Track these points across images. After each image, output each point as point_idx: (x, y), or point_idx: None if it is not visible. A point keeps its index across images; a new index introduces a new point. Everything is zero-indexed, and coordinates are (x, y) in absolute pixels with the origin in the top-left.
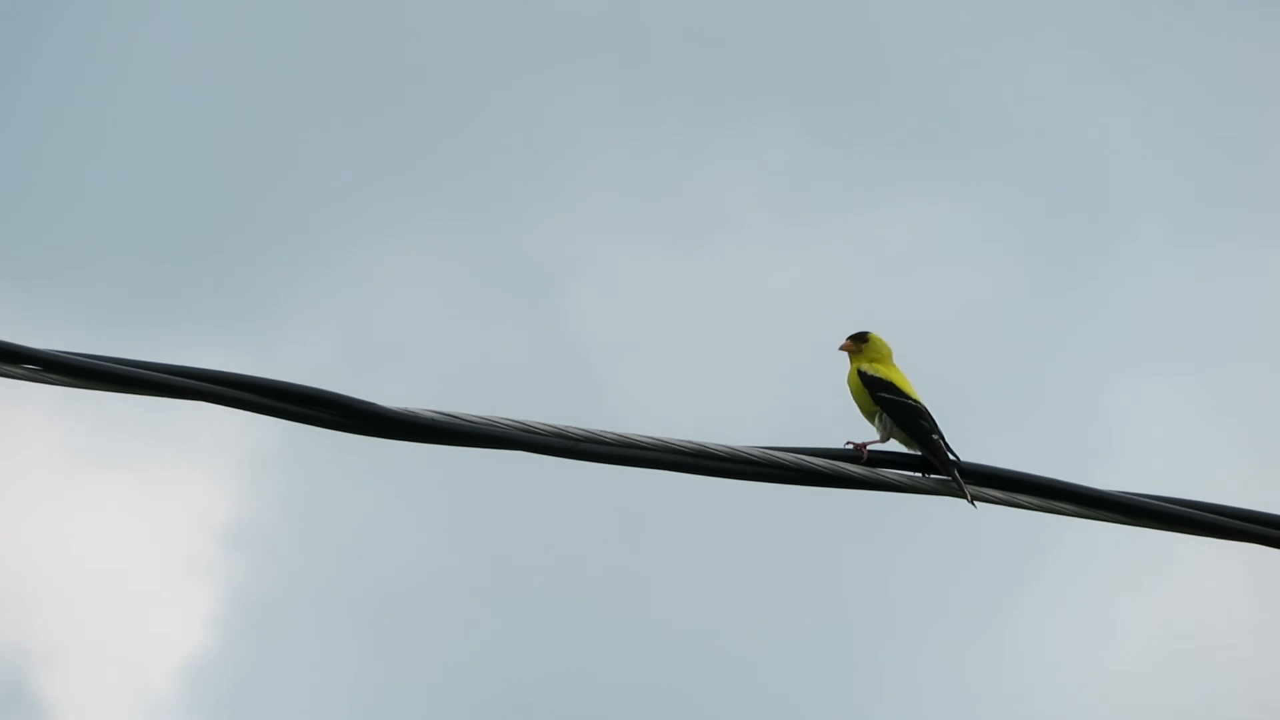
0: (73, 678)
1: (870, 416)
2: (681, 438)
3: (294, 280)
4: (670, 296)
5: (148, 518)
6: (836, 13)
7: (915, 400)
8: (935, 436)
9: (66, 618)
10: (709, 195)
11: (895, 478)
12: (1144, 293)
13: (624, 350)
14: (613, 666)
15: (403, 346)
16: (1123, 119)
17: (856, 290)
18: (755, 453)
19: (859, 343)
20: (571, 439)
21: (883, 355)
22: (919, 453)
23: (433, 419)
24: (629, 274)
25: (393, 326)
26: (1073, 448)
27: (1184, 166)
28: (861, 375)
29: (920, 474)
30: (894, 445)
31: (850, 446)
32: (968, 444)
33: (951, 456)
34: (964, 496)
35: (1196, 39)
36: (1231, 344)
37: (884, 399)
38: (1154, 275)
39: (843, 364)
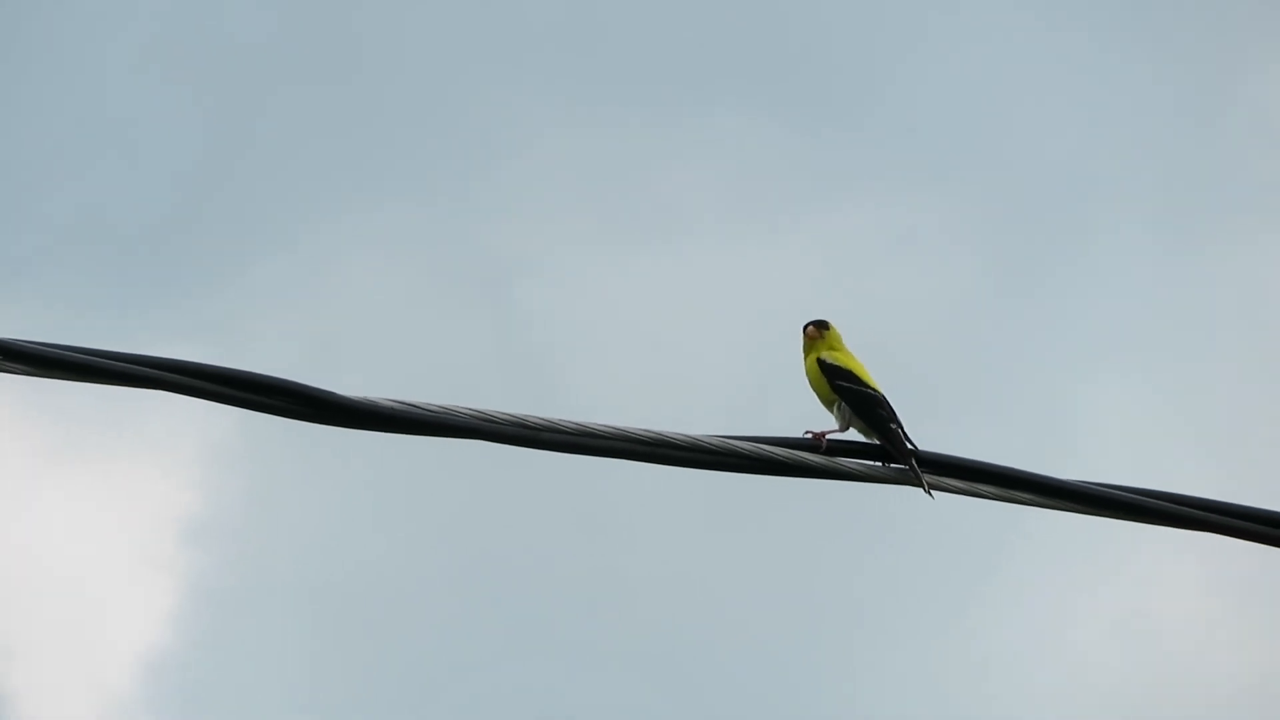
0: (34, 670)
1: (829, 405)
2: (640, 427)
3: (251, 273)
4: (628, 289)
5: (108, 512)
6: (797, 4)
7: (874, 389)
8: (893, 426)
9: (27, 611)
10: (667, 188)
11: (854, 467)
12: (1108, 288)
13: (582, 343)
14: (571, 655)
15: (360, 339)
16: (1089, 115)
17: (816, 283)
18: (714, 442)
19: (821, 329)
20: (530, 428)
21: (840, 344)
22: (878, 442)
23: (392, 408)
24: (587, 267)
25: (350, 319)
26: (1034, 441)
27: (1149, 162)
28: (820, 364)
29: (879, 463)
30: (853, 435)
31: (809, 436)
32: (929, 436)
33: (910, 446)
34: (921, 486)
35: (1163, 36)
36: (1193, 338)
37: (842, 387)
38: (1117, 271)
39: (801, 354)
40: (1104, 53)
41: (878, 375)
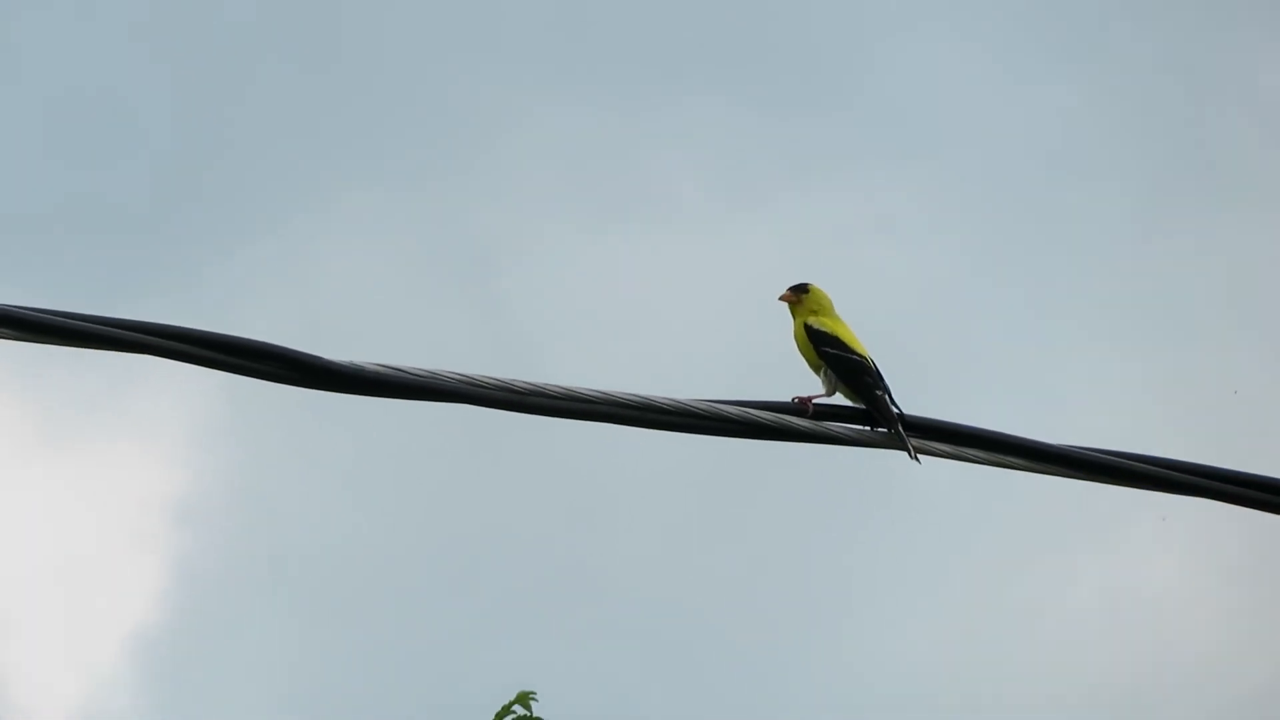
0: (23, 648)
1: (816, 370)
2: (627, 391)
3: (237, 256)
4: (613, 269)
5: (96, 490)
6: None
7: (860, 355)
8: (879, 392)
9: (17, 590)
10: (649, 171)
11: (842, 431)
12: (1088, 265)
13: (568, 320)
14: (558, 623)
15: (347, 319)
16: (1065, 94)
17: (797, 260)
18: (701, 406)
19: (799, 293)
20: (517, 392)
21: (825, 308)
22: (864, 407)
23: (378, 372)
24: (572, 248)
25: (337, 300)
26: (1020, 411)
27: (1128, 139)
28: (807, 329)
29: (867, 428)
30: (840, 400)
31: (796, 401)
32: (916, 405)
33: (896, 411)
34: (906, 450)
35: (1144, 16)
36: (1177, 315)
37: (828, 353)
38: (1097, 246)
39: (789, 320)
40: (1084, 33)
41: (864, 336)
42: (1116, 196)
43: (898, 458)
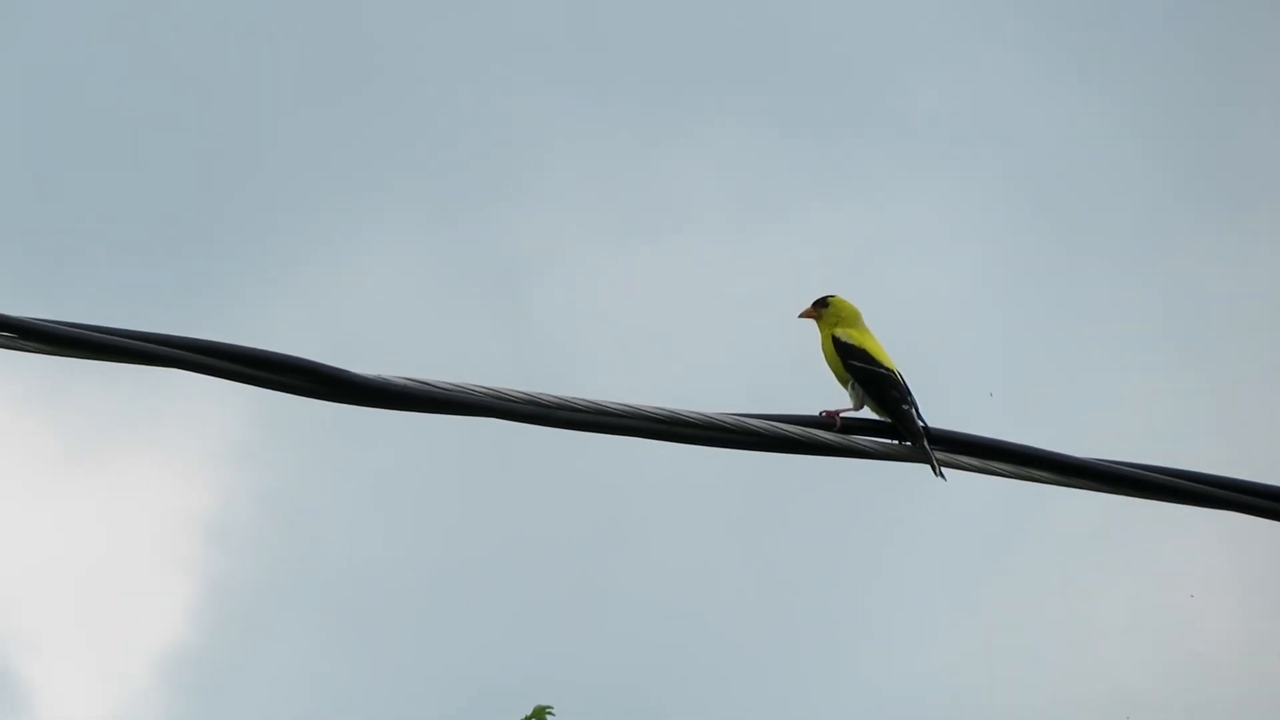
0: (54, 663)
1: (844, 383)
2: (654, 405)
3: (269, 274)
4: (640, 284)
5: (129, 508)
6: (796, 6)
7: (888, 368)
8: (905, 406)
9: (49, 605)
10: (671, 188)
11: (870, 445)
12: (1117, 279)
13: (596, 334)
14: (586, 635)
15: (373, 333)
16: (1089, 105)
17: (822, 274)
18: (728, 420)
19: (819, 308)
20: (544, 405)
21: (852, 319)
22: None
23: (406, 386)
24: (596, 263)
25: (364, 315)
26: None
27: (1153, 150)
28: (835, 341)
29: (895, 442)
30: (868, 414)
31: (824, 415)
32: (942, 419)
33: (922, 425)
34: (931, 465)
35: (1167, 25)
36: (1202, 331)
37: (854, 366)
38: (1127, 260)
39: (817, 333)
40: (1105, 50)
41: (893, 349)
42: (1142, 208)
43: (926, 472)
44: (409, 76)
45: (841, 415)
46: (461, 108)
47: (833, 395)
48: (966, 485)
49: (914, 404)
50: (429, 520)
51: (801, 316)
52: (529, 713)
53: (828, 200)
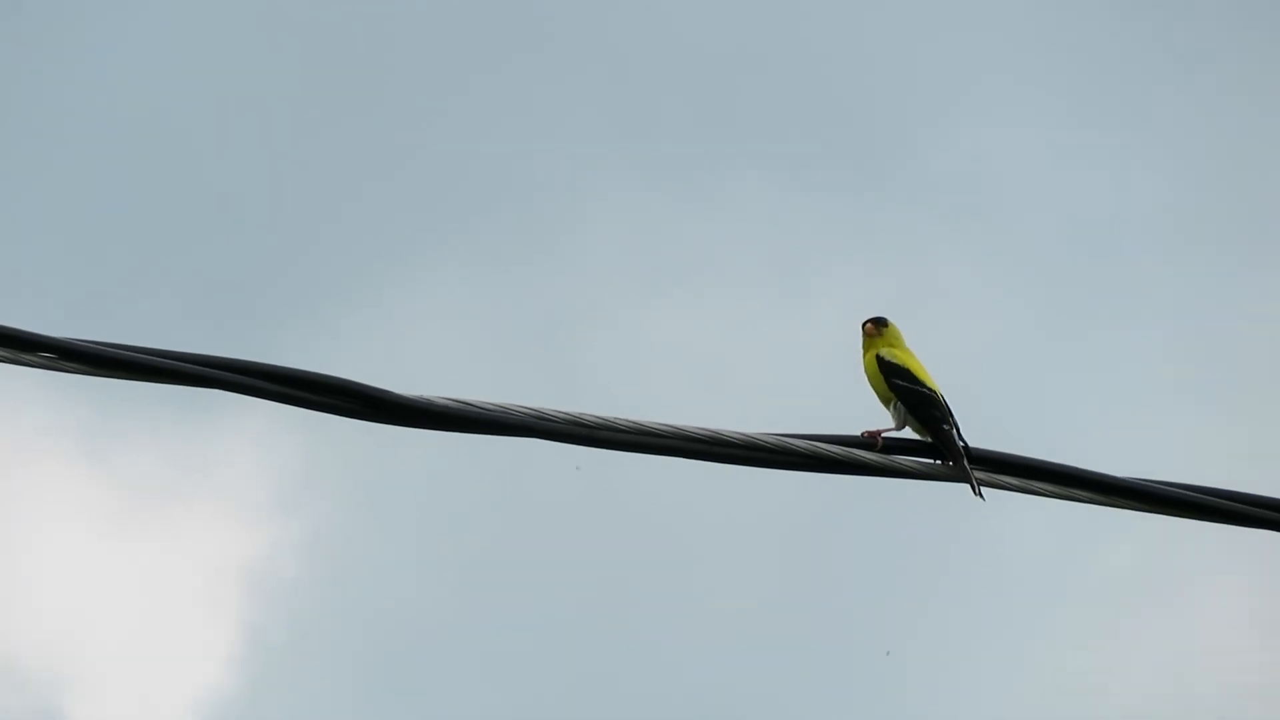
0: (94, 704)
1: (886, 403)
2: (696, 425)
3: (320, 315)
4: (681, 331)
5: (172, 553)
6: (828, 65)
7: (930, 388)
8: (946, 427)
9: (90, 646)
10: (708, 245)
11: (912, 465)
12: (1153, 328)
13: (637, 374)
14: (629, 655)
15: (421, 373)
16: (1111, 163)
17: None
18: (770, 440)
19: (880, 327)
20: (586, 426)
21: (898, 341)
22: (932, 441)
23: (447, 406)
24: (640, 313)
25: (411, 357)
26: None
27: (1184, 196)
28: (879, 361)
29: (936, 460)
30: (909, 434)
31: (865, 435)
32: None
33: (962, 445)
34: (971, 485)
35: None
36: (1232, 363)
37: (898, 385)
38: (1154, 303)
39: (859, 356)
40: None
41: (937, 372)
42: (1175, 255)
43: (966, 491)
44: (463, 141)
45: (884, 435)
46: (511, 174)
47: (873, 417)
48: (1009, 505)
49: (955, 424)
50: (470, 561)
51: (862, 326)
52: None
53: (861, 255)
